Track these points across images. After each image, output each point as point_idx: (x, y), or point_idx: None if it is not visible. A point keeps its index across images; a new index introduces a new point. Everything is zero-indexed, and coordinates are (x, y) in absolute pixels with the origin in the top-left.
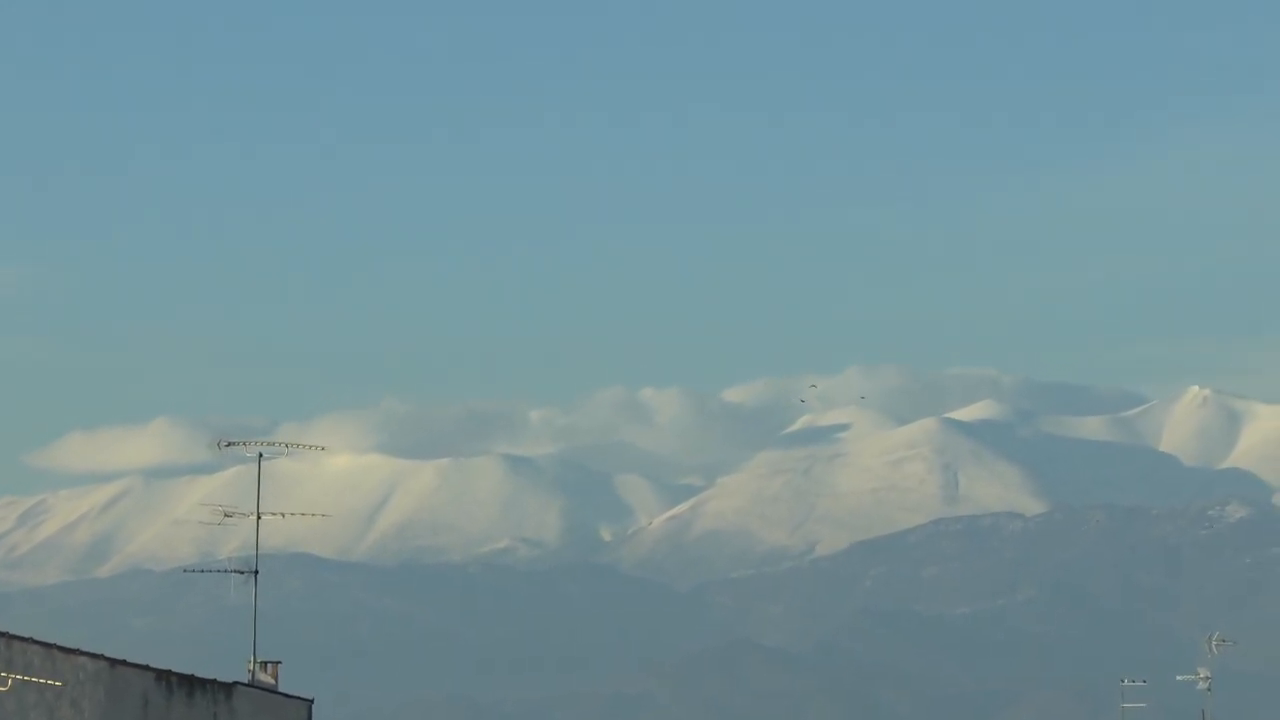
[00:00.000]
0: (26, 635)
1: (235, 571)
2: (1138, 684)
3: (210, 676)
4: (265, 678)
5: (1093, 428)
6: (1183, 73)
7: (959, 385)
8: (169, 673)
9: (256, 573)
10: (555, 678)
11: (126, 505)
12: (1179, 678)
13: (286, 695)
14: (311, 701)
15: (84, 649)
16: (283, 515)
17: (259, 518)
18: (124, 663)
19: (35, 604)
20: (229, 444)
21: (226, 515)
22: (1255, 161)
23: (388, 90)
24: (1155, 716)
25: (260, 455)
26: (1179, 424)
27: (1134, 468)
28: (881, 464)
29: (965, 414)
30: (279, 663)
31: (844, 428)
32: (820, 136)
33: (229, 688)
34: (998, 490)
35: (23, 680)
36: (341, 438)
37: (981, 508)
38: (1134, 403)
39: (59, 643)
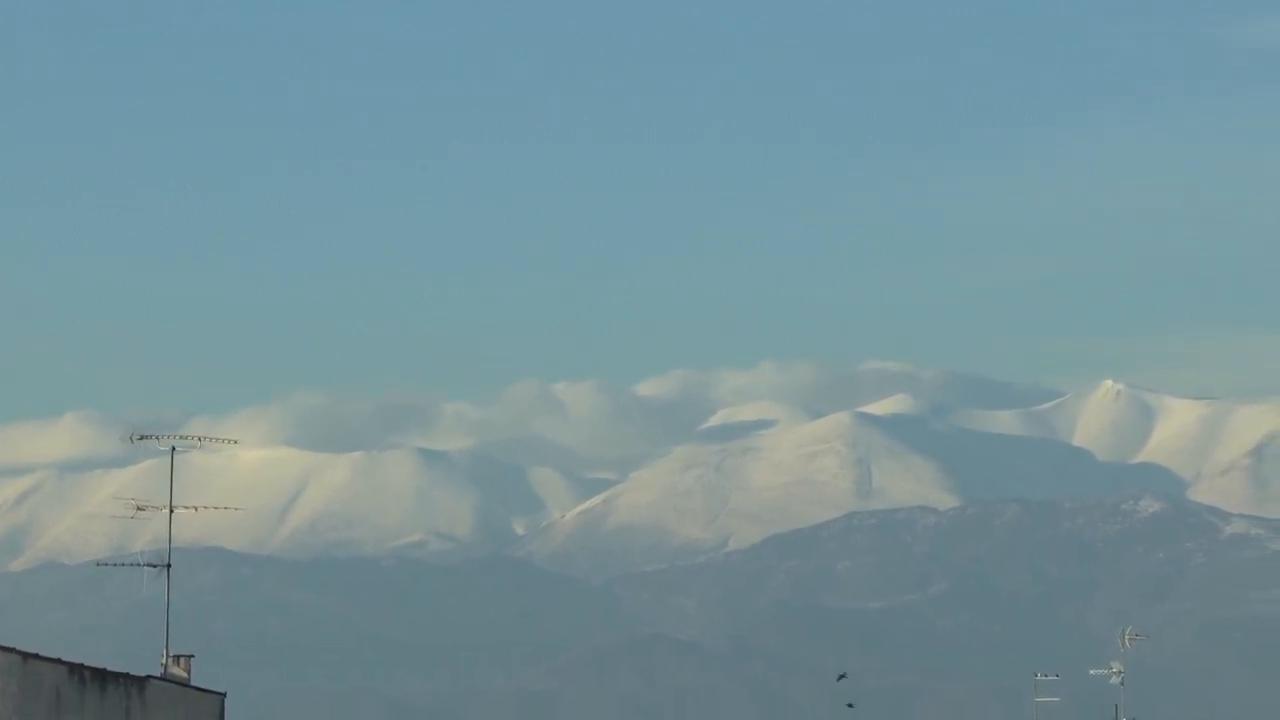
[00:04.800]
0: None
1: (148, 565)
2: (1051, 678)
3: (123, 670)
4: (178, 671)
5: (1006, 422)
6: (1091, 71)
7: (874, 379)
8: (81, 666)
9: (169, 566)
10: (467, 672)
11: (39, 499)
12: (1092, 672)
13: (199, 689)
14: (224, 695)
15: None
16: (195, 509)
17: (172, 511)
18: (36, 656)
19: None
20: (141, 437)
21: (139, 509)
22: (1164, 159)
23: (316, 87)
24: (1068, 711)
25: (173, 449)
26: (1092, 418)
27: (1047, 462)
28: (795, 458)
29: (879, 408)
30: (191, 656)
31: (762, 423)
32: (728, 131)
33: (141, 681)
34: (911, 484)
35: None
36: (254, 431)
37: (894, 502)
38: (1047, 397)
39: None
